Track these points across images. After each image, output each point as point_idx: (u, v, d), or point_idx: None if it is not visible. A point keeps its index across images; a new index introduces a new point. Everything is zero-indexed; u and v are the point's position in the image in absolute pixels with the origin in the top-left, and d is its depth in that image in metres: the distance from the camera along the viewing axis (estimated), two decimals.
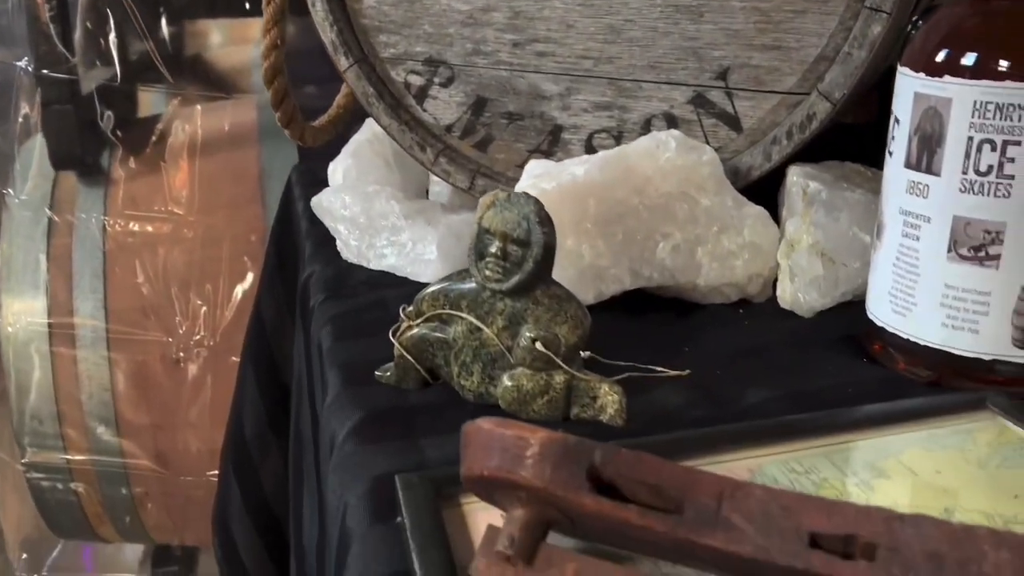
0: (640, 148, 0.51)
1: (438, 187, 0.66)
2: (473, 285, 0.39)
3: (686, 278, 0.51)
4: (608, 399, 0.39)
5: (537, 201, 0.37)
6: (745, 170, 0.55)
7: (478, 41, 0.58)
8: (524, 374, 0.39)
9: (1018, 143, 0.37)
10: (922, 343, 0.42)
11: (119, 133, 1.05)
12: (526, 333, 0.38)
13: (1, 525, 1.24)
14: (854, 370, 0.44)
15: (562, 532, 0.30)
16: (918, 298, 0.41)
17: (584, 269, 0.49)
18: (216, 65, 1.32)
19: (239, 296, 1.04)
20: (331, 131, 0.72)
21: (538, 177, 0.51)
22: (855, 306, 0.48)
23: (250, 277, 1.03)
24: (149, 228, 1.04)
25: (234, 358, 0.96)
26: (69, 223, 1.06)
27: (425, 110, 0.61)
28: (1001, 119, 0.37)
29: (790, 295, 0.49)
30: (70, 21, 1.03)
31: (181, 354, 1.06)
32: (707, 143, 0.55)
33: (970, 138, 0.38)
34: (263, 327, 0.88)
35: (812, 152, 0.55)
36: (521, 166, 0.55)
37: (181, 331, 1.05)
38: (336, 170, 0.65)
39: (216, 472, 0.94)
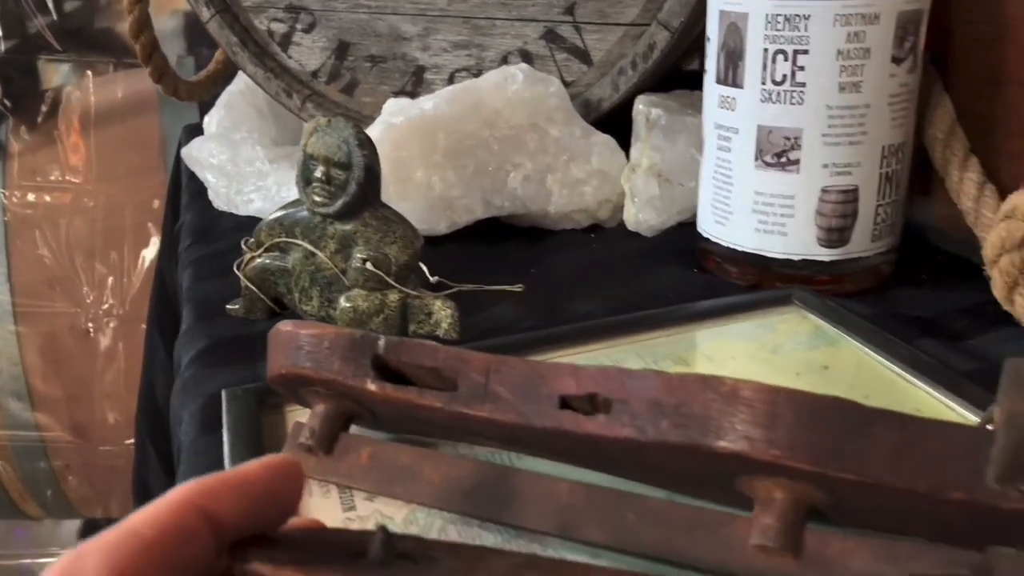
0: (489, 82, 0.53)
1: None
2: (306, 212, 0.41)
3: (537, 206, 0.53)
4: (442, 314, 0.41)
5: (356, 125, 0.39)
6: (596, 102, 0.57)
7: None
8: (360, 294, 0.41)
9: (806, 52, 0.40)
10: (740, 249, 0.44)
11: (7, 103, 1.03)
12: (357, 255, 0.40)
13: None
14: (685, 280, 0.47)
15: (365, 425, 0.32)
16: (734, 207, 0.44)
17: (435, 200, 0.50)
18: (124, 36, 1.30)
19: (145, 263, 1.04)
20: (209, 86, 0.72)
21: (391, 114, 0.52)
22: (694, 224, 0.50)
23: (154, 243, 1.03)
24: (48, 199, 1.03)
25: (144, 325, 0.96)
26: None
27: (290, 56, 0.62)
28: (790, 30, 0.40)
29: (632, 216, 0.52)
30: None
31: (90, 324, 1.06)
32: (561, 77, 0.57)
33: (765, 50, 0.40)
34: (165, 289, 0.88)
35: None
36: None
37: (89, 301, 1.05)
38: (210, 122, 0.65)
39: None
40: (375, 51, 0.60)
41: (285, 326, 0.31)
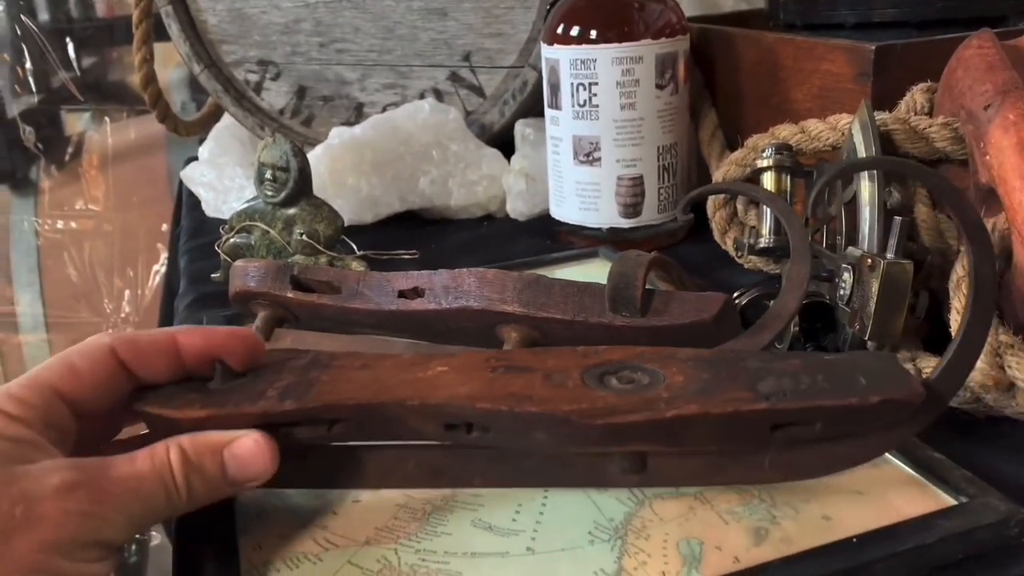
0: (403, 112, 0.72)
1: None
2: (262, 203, 0.59)
3: (441, 201, 0.71)
4: (358, 271, 0.59)
5: (292, 141, 0.58)
6: (489, 125, 0.76)
7: (294, 45, 0.79)
8: (300, 258, 0.59)
9: (597, 83, 0.58)
10: (571, 223, 0.63)
11: (41, 147, 1.23)
12: (296, 231, 0.59)
13: None
14: (540, 247, 0.65)
15: (292, 327, 0.50)
16: (565, 194, 0.62)
17: (363, 198, 0.69)
18: (137, 87, 1.50)
19: (156, 276, 1.23)
20: (202, 125, 0.91)
21: (332, 138, 0.71)
22: None
23: (163, 259, 1.22)
24: (74, 225, 1.22)
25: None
26: (5, 227, 1.24)
27: (262, 99, 0.81)
28: (585, 69, 0.58)
29: (510, 207, 0.70)
30: None
31: (111, 331, 1.24)
32: (464, 107, 0.76)
33: (572, 83, 0.59)
34: (173, 296, 1.07)
35: None
36: None
37: (109, 311, 1.23)
38: (203, 151, 0.84)
39: None
40: (326, 93, 0.80)
41: (240, 262, 0.49)
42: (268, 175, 0.58)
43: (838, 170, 0.39)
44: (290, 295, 0.47)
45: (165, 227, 1.24)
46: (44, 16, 1.40)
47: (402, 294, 0.45)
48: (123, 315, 1.24)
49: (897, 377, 0.31)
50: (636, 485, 0.34)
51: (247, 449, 0.31)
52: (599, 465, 0.35)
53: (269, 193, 0.58)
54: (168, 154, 1.32)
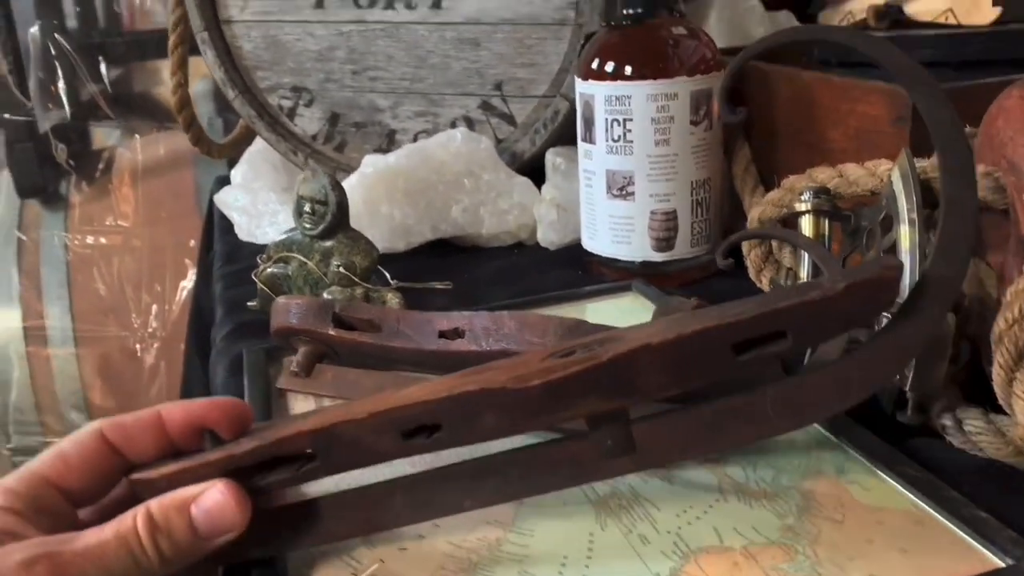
0: (436, 141, 0.72)
1: None
2: (300, 235, 0.60)
3: (473, 230, 0.72)
4: (393, 302, 0.60)
5: (331, 175, 0.58)
6: (520, 153, 0.76)
7: (328, 72, 0.80)
8: (337, 290, 0.60)
9: (631, 119, 0.59)
10: (603, 255, 0.63)
11: (72, 163, 1.25)
12: (334, 263, 0.59)
13: None
14: (572, 278, 0.65)
15: (333, 362, 0.50)
16: (598, 226, 0.63)
17: (396, 227, 0.70)
18: (164, 100, 1.52)
19: (183, 292, 1.24)
20: (234, 148, 0.92)
21: (366, 166, 0.72)
22: None
23: (191, 275, 1.23)
24: (103, 241, 1.24)
25: (183, 345, 1.16)
26: (36, 242, 1.26)
27: (295, 124, 0.82)
28: (620, 105, 0.59)
29: (541, 236, 0.71)
30: (24, 72, 1.23)
31: (138, 345, 1.26)
32: (495, 136, 0.77)
33: (606, 119, 0.60)
34: (201, 313, 1.08)
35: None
36: None
37: (136, 325, 1.25)
38: (236, 174, 0.85)
39: None
40: (359, 119, 0.80)
41: (282, 299, 0.50)
42: (307, 208, 0.58)
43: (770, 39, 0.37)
44: (331, 332, 0.47)
45: (193, 243, 1.25)
46: (72, 23, 1.42)
47: (442, 334, 0.45)
48: (150, 330, 1.25)
49: (870, 266, 0.27)
50: (631, 470, 0.34)
51: (213, 501, 0.31)
52: (584, 456, 0.33)
53: (307, 226, 0.59)
54: (195, 169, 1.34)
